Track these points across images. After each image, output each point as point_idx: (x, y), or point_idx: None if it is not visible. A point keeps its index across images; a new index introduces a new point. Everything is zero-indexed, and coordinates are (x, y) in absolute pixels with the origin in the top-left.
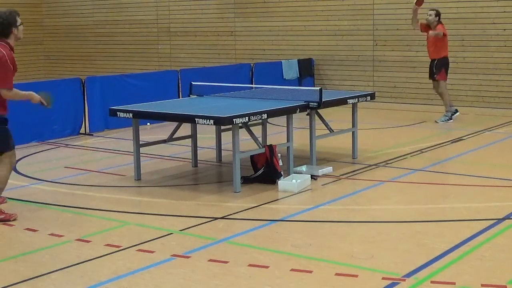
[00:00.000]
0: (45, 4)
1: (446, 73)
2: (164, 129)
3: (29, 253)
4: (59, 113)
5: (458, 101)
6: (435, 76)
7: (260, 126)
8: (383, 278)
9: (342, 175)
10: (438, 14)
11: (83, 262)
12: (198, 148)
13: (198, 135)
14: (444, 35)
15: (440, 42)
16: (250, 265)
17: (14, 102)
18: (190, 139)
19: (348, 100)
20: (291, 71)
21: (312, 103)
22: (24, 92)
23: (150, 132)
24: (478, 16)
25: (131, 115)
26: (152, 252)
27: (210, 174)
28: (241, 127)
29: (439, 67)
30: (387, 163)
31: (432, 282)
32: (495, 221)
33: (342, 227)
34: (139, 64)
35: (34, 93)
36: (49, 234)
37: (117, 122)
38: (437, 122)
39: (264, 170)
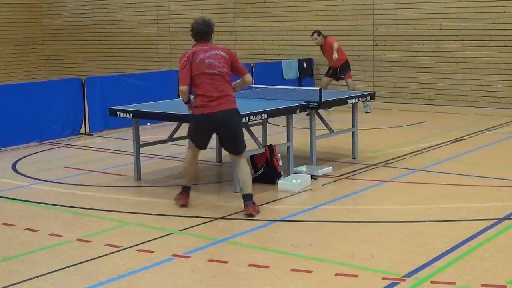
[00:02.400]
0: (45, 4)
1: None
2: (164, 129)
3: (29, 253)
4: (59, 113)
5: (458, 101)
6: (343, 76)
7: (260, 126)
8: (383, 278)
9: (342, 175)
10: (319, 33)
11: (83, 262)
12: None
13: None
14: (338, 46)
15: (340, 51)
16: (250, 265)
17: (14, 102)
18: None
19: (348, 100)
20: (291, 71)
21: (312, 103)
22: None
23: (150, 132)
24: (478, 16)
25: (131, 115)
26: (152, 252)
27: (210, 174)
28: None
29: (345, 70)
30: (387, 163)
31: (432, 282)
32: (495, 221)
33: (342, 227)
34: (139, 64)
35: None
36: (49, 234)
37: (117, 122)
38: (368, 112)
39: (264, 170)
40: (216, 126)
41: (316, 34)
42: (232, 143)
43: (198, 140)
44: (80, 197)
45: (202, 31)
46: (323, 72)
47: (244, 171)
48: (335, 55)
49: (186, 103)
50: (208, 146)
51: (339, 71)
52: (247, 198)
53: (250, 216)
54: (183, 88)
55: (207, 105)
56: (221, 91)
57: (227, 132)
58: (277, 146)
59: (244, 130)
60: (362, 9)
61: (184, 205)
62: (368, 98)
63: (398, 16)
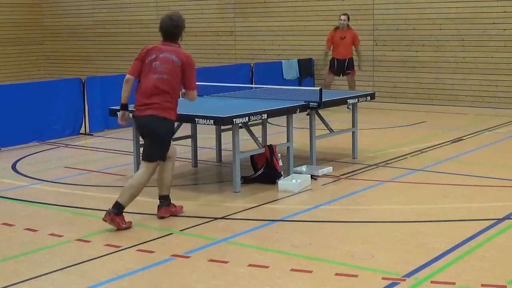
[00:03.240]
0: (45, 4)
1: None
2: None
3: (29, 253)
4: (59, 113)
5: (458, 101)
6: (349, 72)
7: (260, 126)
8: (383, 278)
9: (342, 175)
10: (348, 18)
11: (83, 262)
12: (198, 148)
13: (198, 135)
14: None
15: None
16: (250, 265)
17: (14, 102)
18: (190, 139)
19: (348, 100)
20: (291, 71)
21: (312, 103)
22: None
23: None
24: (478, 16)
25: (131, 115)
26: (152, 252)
27: (210, 174)
28: (241, 127)
29: (352, 65)
30: (387, 163)
31: (432, 282)
32: (495, 221)
33: (342, 227)
34: None
35: None
36: (49, 234)
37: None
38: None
39: (264, 170)
40: (141, 130)
41: (347, 16)
42: (146, 148)
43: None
44: (80, 197)
45: (168, 31)
46: (323, 72)
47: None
48: (358, 48)
49: (121, 106)
50: (208, 146)
51: (347, 65)
52: (115, 205)
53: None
54: (128, 77)
55: (138, 108)
56: (154, 97)
57: (147, 136)
58: (277, 146)
59: (245, 130)
60: (362, 9)
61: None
62: (368, 98)
63: (398, 16)
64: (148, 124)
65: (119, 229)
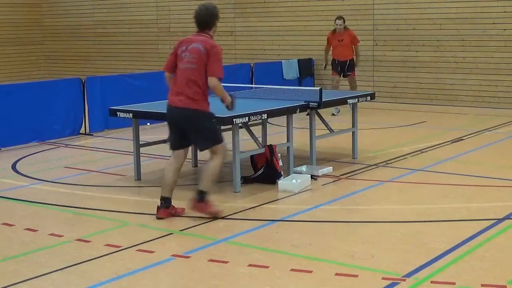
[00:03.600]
0: (45, 4)
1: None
2: (164, 129)
3: (29, 253)
4: (59, 113)
5: (458, 101)
6: (349, 73)
7: (260, 126)
8: (383, 278)
9: (342, 175)
10: (344, 21)
11: (83, 262)
12: None
13: None
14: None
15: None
16: (250, 265)
17: (14, 102)
18: None
19: (348, 100)
20: (291, 71)
21: (312, 103)
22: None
23: (150, 132)
24: (478, 16)
25: (131, 115)
26: (152, 252)
27: None
28: (241, 127)
29: (353, 67)
30: (387, 163)
31: (432, 282)
32: (495, 221)
33: (342, 227)
34: (139, 64)
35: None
36: (49, 234)
37: (117, 122)
38: (334, 115)
39: (264, 170)
40: (175, 120)
41: (342, 20)
42: (198, 142)
43: (169, 137)
44: (80, 197)
45: (202, 20)
46: (323, 72)
47: (208, 168)
48: (357, 48)
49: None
50: None
51: (347, 67)
52: (198, 193)
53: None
54: (165, 74)
55: (170, 98)
56: (184, 88)
57: (186, 128)
58: (277, 146)
59: (245, 130)
60: (362, 9)
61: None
62: (368, 98)
63: (398, 16)
64: (181, 117)
65: (209, 214)
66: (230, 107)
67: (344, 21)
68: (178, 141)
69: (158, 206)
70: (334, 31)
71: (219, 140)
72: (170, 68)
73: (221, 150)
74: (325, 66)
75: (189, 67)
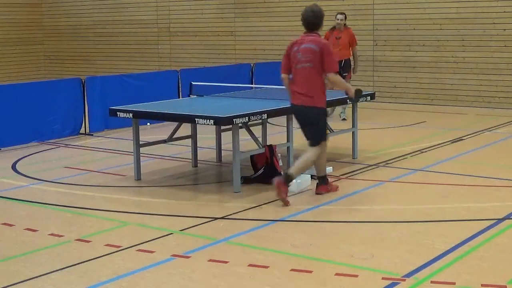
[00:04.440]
0: (45, 4)
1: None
2: (164, 129)
3: (29, 253)
4: (59, 113)
5: (458, 101)
6: (345, 74)
7: (260, 126)
8: (383, 278)
9: (342, 175)
10: (346, 17)
11: (83, 262)
12: (198, 148)
13: (198, 135)
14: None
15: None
16: (250, 265)
17: (14, 102)
18: (190, 139)
19: (348, 100)
20: None
21: None
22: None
23: (150, 132)
24: (478, 16)
25: (131, 115)
26: (152, 252)
27: (210, 174)
28: (241, 127)
29: (349, 67)
30: (387, 163)
31: (432, 282)
32: (495, 221)
33: (342, 227)
34: (139, 64)
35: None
36: (49, 234)
37: (117, 122)
38: (344, 120)
39: (264, 170)
40: (296, 118)
41: (344, 16)
42: (307, 135)
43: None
44: (80, 197)
45: (310, 22)
46: None
47: (306, 156)
48: (355, 50)
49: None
50: (208, 146)
51: (343, 67)
52: (284, 175)
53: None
54: (282, 75)
55: (292, 97)
56: (302, 87)
57: (303, 124)
58: (277, 146)
59: (245, 130)
60: (362, 9)
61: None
62: (368, 98)
63: (398, 16)
64: (300, 113)
65: (280, 198)
66: (354, 97)
67: (345, 18)
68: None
69: (317, 183)
70: (333, 29)
71: (324, 138)
72: (287, 69)
73: (323, 145)
74: None
75: (306, 66)
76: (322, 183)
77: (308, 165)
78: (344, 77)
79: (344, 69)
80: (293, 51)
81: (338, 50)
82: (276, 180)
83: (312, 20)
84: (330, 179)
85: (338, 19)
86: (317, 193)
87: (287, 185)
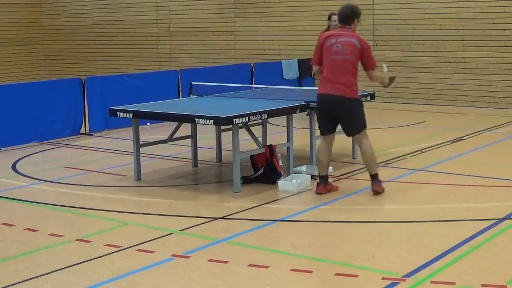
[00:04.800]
0: (45, 4)
1: None
2: (164, 129)
3: (29, 253)
4: (59, 113)
5: (458, 101)
6: None
7: (260, 126)
8: (383, 278)
9: (342, 175)
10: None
11: (83, 262)
12: (198, 148)
13: (198, 135)
14: None
15: None
16: (250, 265)
17: (14, 102)
18: (190, 139)
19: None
20: (291, 71)
21: (312, 103)
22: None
23: (150, 132)
24: (478, 16)
25: (131, 115)
26: (152, 252)
27: (210, 174)
28: (241, 127)
29: None
30: (387, 163)
31: (432, 282)
32: (495, 221)
33: (342, 227)
34: (139, 64)
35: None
36: (49, 234)
37: (117, 122)
38: None
39: (264, 170)
40: (329, 107)
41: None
42: (348, 127)
43: (321, 124)
44: (80, 197)
45: (347, 15)
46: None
47: (365, 153)
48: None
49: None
50: (208, 146)
51: None
52: (371, 178)
53: (376, 193)
54: (315, 68)
55: (325, 86)
56: (341, 77)
57: (338, 115)
58: (277, 146)
59: (245, 130)
60: (362, 9)
61: (320, 193)
62: (368, 98)
63: (398, 16)
64: (337, 103)
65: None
66: (388, 85)
67: None
68: (329, 127)
69: (317, 182)
70: (327, 30)
71: (365, 126)
72: (320, 61)
73: (365, 133)
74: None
75: (345, 59)
76: (323, 183)
77: (373, 153)
78: None
79: None
80: (330, 43)
81: None
82: (375, 188)
83: (346, 12)
84: (330, 179)
85: (333, 20)
86: (317, 193)
87: (380, 181)
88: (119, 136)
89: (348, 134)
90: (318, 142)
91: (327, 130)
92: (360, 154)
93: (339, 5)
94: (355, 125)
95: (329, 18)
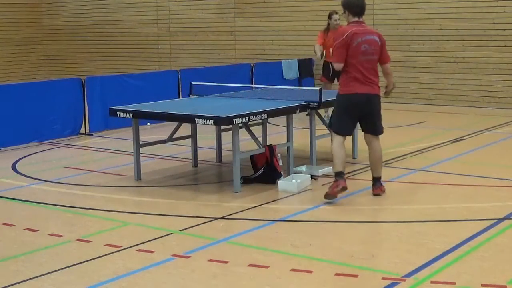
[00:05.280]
0: (45, 4)
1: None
2: (164, 129)
3: (29, 253)
4: (59, 113)
5: (458, 101)
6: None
7: (260, 126)
8: (383, 278)
9: None
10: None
11: (83, 262)
12: (198, 148)
13: (198, 135)
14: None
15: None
16: (250, 265)
17: (14, 102)
18: (190, 139)
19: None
20: (291, 71)
21: (312, 103)
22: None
23: (150, 132)
24: (478, 16)
25: (131, 115)
26: (152, 252)
27: (210, 174)
28: (241, 127)
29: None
30: (387, 163)
31: (432, 282)
32: (495, 221)
33: (342, 227)
34: (139, 64)
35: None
36: (49, 234)
37: (117, 122)
38: None
39: (264, 170)
40: (358, 107)
41: (339, 15)
42: (372, 125)
43: (345, 124)
44: (80, 197)
45: (360, 6)
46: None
47: (376, 153)
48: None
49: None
50: (208, 146)
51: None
52: (374, 180)
53: (377, 195)
54: (339, 66)
55: (356, 86)
56: (367, 76)
57: (367, 113)
58: (277, 146)
59: (245, 130)
60: None
61: (345, 188)
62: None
63: (398, 16)
64: (369, 102)
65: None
66: (390, 94)
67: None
68: (353, 127)
69: (335, 179)
70: (327, 29)
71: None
72: (344, 59)
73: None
74: (321, 55)
75: (371, 59)
76: (342, 178)
77: (382, 157)
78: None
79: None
80: (357, 42)
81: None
82: (376, 191)
83: (362, 4)
84: (329, 179)
85: (335, 20)
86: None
87: (379, 184)
88: (119, 136)
89: (373, 133)
90: (334, 142)
91: (350, 130)
92: (368, 154)
93: (339, 5)
94: (381, 124)
95: (330, 17)
